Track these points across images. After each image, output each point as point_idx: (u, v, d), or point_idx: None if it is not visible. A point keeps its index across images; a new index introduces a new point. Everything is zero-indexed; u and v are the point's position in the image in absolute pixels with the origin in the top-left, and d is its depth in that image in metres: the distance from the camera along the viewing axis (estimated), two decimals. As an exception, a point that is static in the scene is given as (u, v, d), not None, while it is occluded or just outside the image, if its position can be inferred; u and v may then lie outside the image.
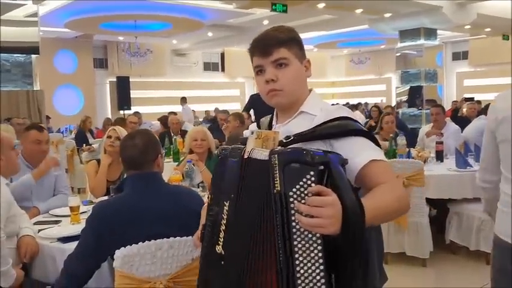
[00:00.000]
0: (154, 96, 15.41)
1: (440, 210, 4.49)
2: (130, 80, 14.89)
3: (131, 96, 14.93)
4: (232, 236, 1.30)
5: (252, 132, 1.36)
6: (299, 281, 1.13)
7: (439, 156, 4.58)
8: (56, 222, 2.88)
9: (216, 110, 12.93)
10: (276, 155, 1.18)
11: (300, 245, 1.14)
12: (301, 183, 1.13)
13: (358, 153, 1.32)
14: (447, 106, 12.15)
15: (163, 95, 15.55)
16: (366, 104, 16.04)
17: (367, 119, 9.45)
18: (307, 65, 1.48)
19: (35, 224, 2.78)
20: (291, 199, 1.14)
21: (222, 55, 17.18)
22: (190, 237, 1.90)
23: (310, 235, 1.14)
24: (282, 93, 1.43)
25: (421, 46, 10.97)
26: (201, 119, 13.56)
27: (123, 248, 1.77)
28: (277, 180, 1.16)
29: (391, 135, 4.90)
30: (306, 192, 1.13)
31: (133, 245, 1.78)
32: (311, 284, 1.13)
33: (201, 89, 16.50)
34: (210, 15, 10.63)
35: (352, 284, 1.15)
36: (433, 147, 4.77)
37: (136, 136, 2.12)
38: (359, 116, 10.34)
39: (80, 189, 7.09)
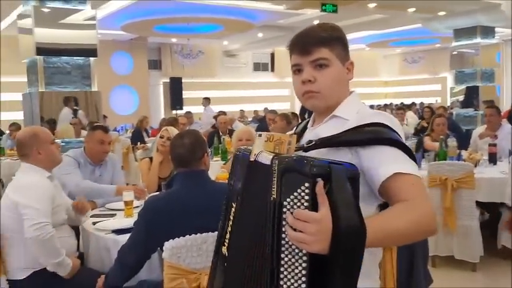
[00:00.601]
0: (205, 96, 15.71)
1: (492, 214, 4.37)
2: (183, 80, 15.25)
3: (183, 96, 15.30)
4: (235, 238, 1.26)
5: (260, 135, 1.26)
6: None
7: (492, 158, 4.45)
8: (112, 215, 3.05)
9: (265, 110, 13.01)
10: (277, 161, 1.10)
11: (286, 258, 1.06)
12: (295, 193, 1.05)
13: (383, 164, 1.21)
14: (506, 107, 11.66)
15: (214, 95, 15.83)
16: (422, 103, 15.65)
17: (420, 120, 9.25)
18: (349, 67, 1.39)
19: (91, 217, 2.96)
20: (285, 209, 1.06)
21: (272, 55, 17.28)
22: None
23: (297, 250, 1.06)
24: (319, 95, 1.35)
25: (477, 45, 10.59)
26: (250, 119, 13.72)
27: (171, 240, 1.88)
28: (274, 188, 1.09)
29: (441, 136, 4.80)
30: (299, 204, 1.05)
31: (181, 237, 1.89)
32: None
33: (251, 89, 16.66)
34: (261, 16, 10.74)
35: None
36: (486, 149, 4.64)
37: (185, 136, 2.23)
38: (411, 117, 10.10)
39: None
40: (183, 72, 15.24)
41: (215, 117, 8.12)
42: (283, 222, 1.06)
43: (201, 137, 2.32)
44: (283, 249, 1.07)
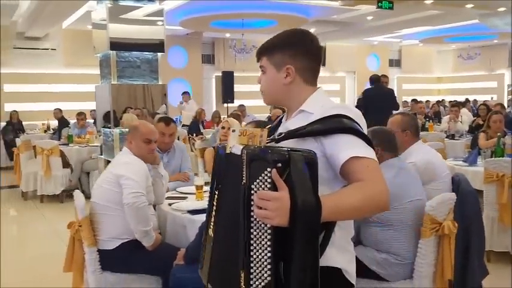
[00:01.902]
0: (256, 90, 15.95)
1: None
2: (235, 74, 15.55)
3: (235, 90, 15.62)
4: (218, 221, 1.46)
5: (233, 130, 1.45)
6: (252, 265, 1.26)
7: (550, 156, 4.43)
8: (183, 198, 3.35)
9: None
10: (245, 151, 1.30)
11: (255, 233, 1.26)
12: (260, 177, 1.26)
13: (342, 150, 1.40)
14: None
15: (266, 89, 16.07)
16: (475, 101, 15.28)
17: (475, 117, 9.12)
18: (288, 72, 1.56)
19: (166, 199, 3.27)
20: (252, 191, 1.27)
21: (324, 50, 17.29)
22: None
23: (263, 225, 1.25)
24: (263, 94, 1.65)
25: (538, 41, 10.27)
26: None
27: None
28: (244, 174, 1.29)
29: (498, 134, 4.82)
30: (263, 186, 1.25)
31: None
32: (260, 269, 1.25)
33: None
34: (315, 11, 10.85)
35: (300, 275, 1.24)
36: (543, 147, 4.62)
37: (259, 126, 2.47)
38: (466, 114, 9.93)
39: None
40: (235, 66, 15.54)
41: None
42: (252, 203, 1.27)
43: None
44: (252, 225, 1.27)
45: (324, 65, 17.45)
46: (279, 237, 1.25)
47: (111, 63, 5.17)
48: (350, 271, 1.53)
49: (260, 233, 1.26)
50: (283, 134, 1.49)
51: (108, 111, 5.75)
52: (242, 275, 1.27)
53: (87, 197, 2.92)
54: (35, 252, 5.05)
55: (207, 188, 3.34)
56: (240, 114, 7.44)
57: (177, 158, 3.96)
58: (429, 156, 3.31)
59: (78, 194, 2.81)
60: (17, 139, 8.81)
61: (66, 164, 7.19)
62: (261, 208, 1.24)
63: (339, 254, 1.50)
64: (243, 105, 11.40)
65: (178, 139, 8.64)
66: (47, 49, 12.87)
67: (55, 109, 10.93)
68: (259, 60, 1.63)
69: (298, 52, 1.56)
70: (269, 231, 1.25)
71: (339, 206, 1.32)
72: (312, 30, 7.68)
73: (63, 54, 13.08)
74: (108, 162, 6.05)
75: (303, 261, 1.24)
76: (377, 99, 7.07)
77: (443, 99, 16.21)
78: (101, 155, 6.41)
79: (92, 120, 10.32)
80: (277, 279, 1.25)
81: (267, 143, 1.46)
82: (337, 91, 17.52)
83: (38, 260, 4.69)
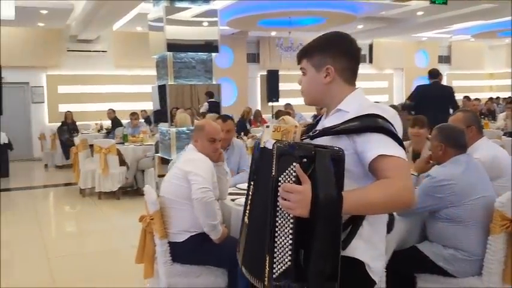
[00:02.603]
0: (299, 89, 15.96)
1: None
2: (280, 73, 15.58)
3: (279, 88, 15.64)
4: (252, 209, 1.58)
5: (267, 126, 1.58)
6: (275, 250, 1.37)
7: None
8: (244, 194, 3.41)
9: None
10: (276, 146, 1.41)
11: (279, 221, 1.38)
12: (287, 171, 1.37)
13: (371, 148, 1.46)
14: None
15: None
16: (529, 98, 14.67)
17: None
18: (328, 71, 1.63)
19: (228, 195, 3.35)
20: (279, 183, 1.39)
21: (371, 46, 17.06)
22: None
23: (286, 215, 1.37)
24: (303, 94, 1.72)
25: None
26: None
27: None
28: (273, 167, 1.40)
29: None
30: (289, 179, 1.37)
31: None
32: (282, 254, 1.37)
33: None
34: (364, 8, 10.73)
35: (318, 262, 1.35)
36: None
37: None
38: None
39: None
40: (280, 65, 15.55)
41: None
42: (278, 194, 1.38)
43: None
44: (277, 214, 1.39)
45: (371, 62, 17.27)
46: (300, 227, 1.35)
47: (168, 64, 5.33)
48: (374, 268, 1.59)
49: (284, 222, 1.38)
50: (317, 131, 1.57)
51: (157, 110, 5.93)
52: (267, 258, 1.39)
53: (143, 194, 3.02)
54: (94, 248, 5.26)
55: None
56: (290, 112, 7.48)
57: (236, 155, 4.03)
58: (495, 152, 3.25)
59: (149, 189, 2.92)
60: (75, 139, 9.20)
61: (122, 162, 7.44)
62: (285, 199, 1.35)
63: (366, 248, 1.57)
64: (289, 104, 11.42)
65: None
66: (98, 51, 13.32)
67: (109, 109, 11.31)
68: (299, 62, 1.70)
69: (337, 53, 1.63)
70: (292, 220, 1.37)
71: (362, 200, 1.40)
72: (359, 27, 7.67)
73: (114, 56, 13.50)
74: (164, 160, 6.25)
75: (322, 251, 1.35)
76: (434, 95, 6.79)
77: (498, 97, 15.65)
78: (157, 153, 6.61)
79: (142, 120, 10.62)
80: (297, 265, 1.36)
81: (303, 139, 1.57)
82: (384, 88, 17.24)
83: (97, 255, 4.88)
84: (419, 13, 11.38)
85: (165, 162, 6.34)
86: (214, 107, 6.13)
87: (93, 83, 13.20)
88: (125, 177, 7.40)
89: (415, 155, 3.81)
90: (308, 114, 11.37)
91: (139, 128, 9.03)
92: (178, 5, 5.43)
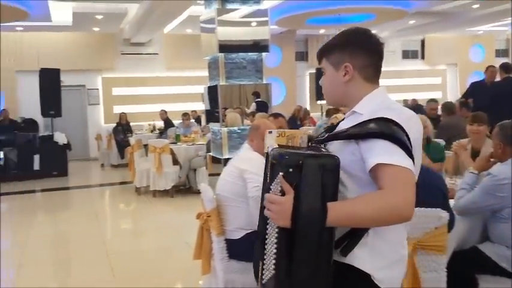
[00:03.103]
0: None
1: None
2: (328, 71, 15.43)
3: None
4: (259, 215, 1.54)
5: (270, 131, 1.53)
6: (265, 257, 1.38)
7: None
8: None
9: (413, 100, 12.74)
10: (271, 153, 1.41)
11: (269, 229, 1.39)
12: (275, 180, 1.35)
13: (372, 155, 1.36)
14: None
15: (361, 84, 15.79)
16: None
17: None
18: (347, 69, 1.53)
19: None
20: (270, 191, 1.38)
21: (423, 42, 16.61)
22: (433, 209, 2.20)
23: (273, 223, 1.37)
24: (324, 95, 1.64)
25: None
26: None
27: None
28: (267, 175, 1.42)
29: None
30: (278, 188, 1.35)
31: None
32: (269, 261, 1.37)
33: (399, 78, 16.25)
34: (416, 3, 10.47)
35: (299, 273, 1.33)
36: None
37: None
38: None
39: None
40: (329, 63, 15.42)
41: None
42: None
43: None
44: (268, 221, 1.40)
45: (423, 58, 16.82)
46: (284, 237, 1.35)
47: (220, 65, 5.41)
48: (380, 278, 1.46)
49: (271, 230, 1.38)
50: (325, 136, 1.52)
51: (208, 110, 6.03)
52: (260, 264, 1.42)
53: (195, 192, 3.09)
54: (150, 244, 5.41)
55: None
56: (341, 110, 7.40)
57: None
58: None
59: (205, 187, 2.99)
60: (129, 139, 9.50)
61: (175, 161, 7.62)
62: (269, 210, 1.36)
63: (370, 258, 1.46)
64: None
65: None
66: (150, 54, 13.69)
67: (161, 110, 11.62)
68: (320, 62, 1.63)
69: (356, 49, 1.53)
70: (277, 229, 1.36)
71: (348, 213, 1.33)
72: (411, 23, 7.48)
73: (165, 58, 13.83)
74: (215, 159, 6.36)
75: (304, 262, 1.33)
76: (486, 90, 6.51)
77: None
78: (208, 152, 6.73)
79: (193, 120, 10.83)
80: (280, 274, 1.35)
81: (312, 144, 1.50)
82: (437, 85, 16.75)
83: (153, 252, 5.03)
84: (475, 6, 10.99)
85: (216, 161, 6.46)
86: (262, 107, 6.18)
87: (145, 84, 13.58)
88: (178, 176, 7.57)
89: (475, 153, 3.69)
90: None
91: (190, 128, 9.23)
92: (230, 6, 5.50)
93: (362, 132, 1.41)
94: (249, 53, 5.52)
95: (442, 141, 4.67)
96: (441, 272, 2.38)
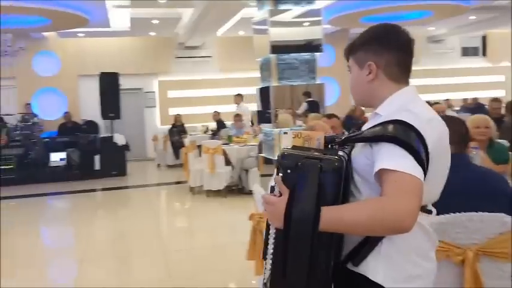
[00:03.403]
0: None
1: None
2: (384, 70, 15.11)
3: (385, 85, 15.18)
4: None
5: (285, 133, 1.56)
6: (266, 256, 1.44)
7: None
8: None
9: (474, 99, 12.22)
10: (279, 154, 1.43)
11: (271, 229, 1.42)
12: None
13: (378, 159, 1.30)
14: None
15: (417, 83, 15.28)
16: None
17: None
18: (371, 68, 1.47)
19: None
20: (273, 192, 1.42)
21: (484, 38, 15.91)
22: (495, 213, 2.09)
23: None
24: (352, 94, 1.59)
25: None
26: (457, 108, 12.95)
27: (436, 216, 2.06)
28: (274, 175, 1.43)
29: None
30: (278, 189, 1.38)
31: (445, 214, 2.06)
32: (268, 261, 1.42)
33: (458, 76, 15.65)
34: (476, -3, 10.07)
35: (292, 273, 1.32)
36: None
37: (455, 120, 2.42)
38: None
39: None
40: (384, 61, 15.09)
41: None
42: None
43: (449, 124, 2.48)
44: (269, 222, 1.43)
45: (484, 55, 16.11)
46: (280, 238, 1.36)
47: (272, 66, 5.42)
48: None
49: (271, 230, 1.42)
50: (342, 139, 1.46)
51: (260, 111, 6.03)
52: (264, 262, 1.47)
53: (247, 193, 3.09)
54: (204, 243, 5.50)
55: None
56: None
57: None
58: None
59: (258, 189, 2.99)
60: (184, 140, 9.72)
61: (227, 162, 7.70)
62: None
63: (385, 269, 1.37)
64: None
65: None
66: (204, 56, 13.93)
67: (214, 112, 11.79)
68: (347, 60, 1.58)
69: (381, 47, 1.46)
70: (274, 230, 1.39)
71: (343, 219, 1.27)
72: (471, 18, 7.16)
73: (218, 61, 14.02)
74: (267, 159, 6.37)
75: (298, 265, 1.31)
76: None
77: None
78: (260, 153, 6.75)
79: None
80: (276, 275, 1.39)
81: (331, 146, 1.45)
82: (500, 83, 15.98)
83: (208, 250, 5.11)
84: (541, -3, 10.38)
85: (268, 162, 6.46)
86: (313, 107, 6.11)
87: (199, 87, 13.83)
88: (230, 176, 7.65)
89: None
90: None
91: (242, 129, 9.30)
92: (282, 7, 5.50)
93: (371, 135, 1.36)
94: (302, 54, 5.49)
95: (505, 142, 4.44)
96: (507, 280, 2.26)
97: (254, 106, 7.13)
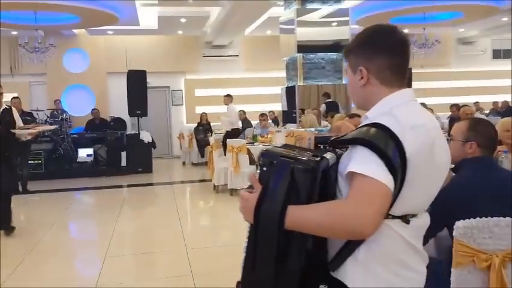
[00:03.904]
0: (436, 87, 15.07)
1: None
2: (412, 71, 14.88)
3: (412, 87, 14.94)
4: None
5: (279, 131, 1.55)
6: (245, 249, 1.44)
7: None
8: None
9: (504, 102, 11.86)
10: (260, 152, 1.46)
11: (248, 225, 1.43)
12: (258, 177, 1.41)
13: (351, 162, 1.30)
14: None
15: (446, 85, 15.06)
16: None
17: None
18: (362, 74, 1.45)
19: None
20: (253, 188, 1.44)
21: (516, 41, 15.51)
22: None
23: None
24: (351, 97, 1.60)
25: None
26: (487, 111, 12.69)
27: (462, 220, 2.02)
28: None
29: None
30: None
31: (471, 219, 2.02)
32: (248, 251, 1.43)
33: (489, 79, 15.30)
34: (509, -1, 9.82)
35: (260, 269, 1.35)
36: None
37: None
38: None
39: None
40: (412, 62, 14.80)
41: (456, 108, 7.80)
42: None
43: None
44: None
45: (516, 57, 15.69)
46: (252, 233, 1.39)
47: (298, 66, 5.40)
48: None
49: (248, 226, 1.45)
50: (330, 141, 1.48)
51: (285, 111, 6.02)
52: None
53: None
54: (227, 241, 5.53)
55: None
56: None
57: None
58: None
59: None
60: (209, 138, 9.76)
61: (252, 161, 7.71)
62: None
63: (363, 277, 1.35)
64: (424, 103, 10.85)
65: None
66: (231, 55, 13.97)
67: (240, 111, 11.80)
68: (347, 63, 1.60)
69: (371, 51, 1.43)
70: (249, 225, 1.43)
71: (300, 219, 1.29)
72: (504, 20, 6.97)
73: (244, 60, 14.05)
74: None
75: (266, 261, 1.34)
76: None
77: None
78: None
79: (270, 121, 10.89)
80: (247, 269, 1.43)
81: (324, 147, 1.49)
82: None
83: (230, 248, 5.11)
84: None
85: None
86: (332, 107, 6.07)
87: (225, 86, 13.86)
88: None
89: None
90: (445, 114, 10.70)
91: (267, 129, 9.29)
92: (310, 6, 5.48)
93: (350, 138, 1.35)
94: (328, 53, 5.45)
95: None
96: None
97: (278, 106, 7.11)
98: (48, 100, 12.54)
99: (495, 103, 13.38)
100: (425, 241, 2.32)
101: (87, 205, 8.43)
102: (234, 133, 9.81)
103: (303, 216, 1.28)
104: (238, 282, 1.49)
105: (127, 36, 12.92)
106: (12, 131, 5.33)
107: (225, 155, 8.21)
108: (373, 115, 1.40)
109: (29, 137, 5.74)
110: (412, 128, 1.31)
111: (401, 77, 1.45)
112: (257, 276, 1.37)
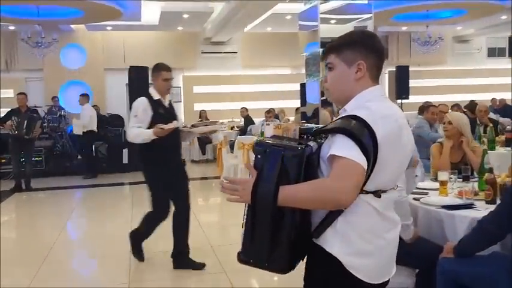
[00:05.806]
0: (432, 85, 15.19)
1: None
2: (409, 69, 14.96)
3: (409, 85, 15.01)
4: None
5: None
6: (244, 228, 1.68)
7: None
8: (425, 193, 3.31)
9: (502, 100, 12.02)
10: (255, 141, 1.68)
11: (246, 206, 1.64)
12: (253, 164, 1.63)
13: (332, 147, 1.52)
14: None
15: (443, 83, 15.20)
16: None
17: None
18: (360, 67, 1.64)
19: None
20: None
21: (510, 39, 15.70)
22: None
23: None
24: (328, 91, 1.76)
25: None
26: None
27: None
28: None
29: None
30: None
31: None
32: (247, 226, 1.66)
33: (484, 77, 15.48)
34: (513, -3, 9.90)
35: (257, 245, 1.62)
36: None
37: None
38: None
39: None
40: (410, 60, 14.96)
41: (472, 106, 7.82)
42: None
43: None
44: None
45: (511, 56, 15.88)
46: (250, 213, 1.62)
47: (320, 62, 5.36)
48: (348, 264, 1.58)
49: (245, 207, 1.65)
50: (313, 131, 1.67)
51: (298, 108, 5.96)
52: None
53: None
54: (236, 239, 5.45)
55: (450, 185, 3.28)
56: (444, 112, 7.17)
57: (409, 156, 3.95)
58: None
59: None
60: (213, 136, 9.68)
61: (263, 158, 7.67)
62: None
63: (339, 243, 1.59)
64: (428, 102, 10.92)
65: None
66: (229, 52, 13.88)
67: (242, 108, 11.76)
68: (325, 58, 1.72)
69: (368, 49, 1.64)
70: (247, 207, 1.63)
71: (291, 195, 1.52)
72: (503, 18, 6.97)
73: (243, 57, 13.98)
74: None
75: (262, 237, 1.60)
76: None
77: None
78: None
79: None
80: (245, 245, 1.67)
81: (307, 136, 1.67)
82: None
83: (239, 247, 5.06)
84: None
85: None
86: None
87: (224, 83, 13.79)
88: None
89: None
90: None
91: (274, 125, 9.24)
92: (333, 3, 5.45)
93: (330, 128, 1.57)
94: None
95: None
96: None
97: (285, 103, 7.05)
98: (45, 96, 12.30)
99: (493, 100, 13.52)
100: (503, 236, 2.32)
101: (89, 203, 8.22)
102: (89, 136, 9.90)
103: (292, 193, 1.52)
104: (239, 253, 1.70)
105: (125, 32, 12.73)
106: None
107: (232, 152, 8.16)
108: (350, 107, 1.62)
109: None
110: (383, 118, 1.55)
111: (379, 75, 1.70)
112: (255, 246, 1.63)
